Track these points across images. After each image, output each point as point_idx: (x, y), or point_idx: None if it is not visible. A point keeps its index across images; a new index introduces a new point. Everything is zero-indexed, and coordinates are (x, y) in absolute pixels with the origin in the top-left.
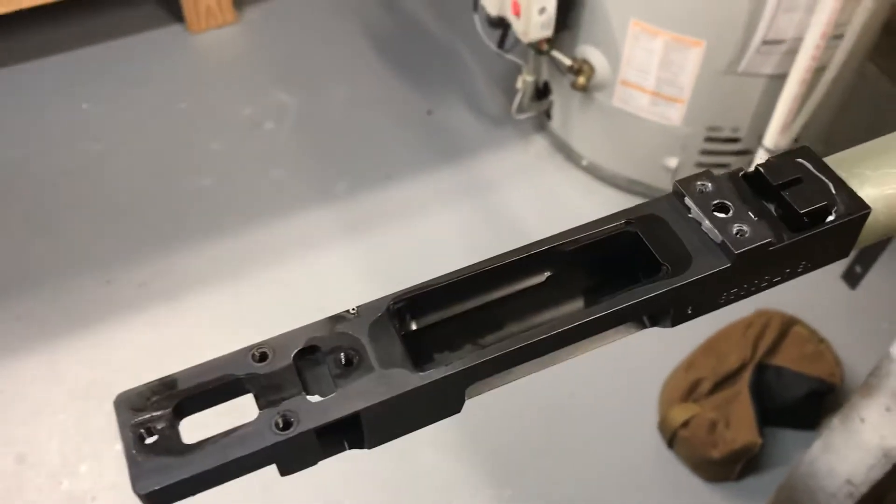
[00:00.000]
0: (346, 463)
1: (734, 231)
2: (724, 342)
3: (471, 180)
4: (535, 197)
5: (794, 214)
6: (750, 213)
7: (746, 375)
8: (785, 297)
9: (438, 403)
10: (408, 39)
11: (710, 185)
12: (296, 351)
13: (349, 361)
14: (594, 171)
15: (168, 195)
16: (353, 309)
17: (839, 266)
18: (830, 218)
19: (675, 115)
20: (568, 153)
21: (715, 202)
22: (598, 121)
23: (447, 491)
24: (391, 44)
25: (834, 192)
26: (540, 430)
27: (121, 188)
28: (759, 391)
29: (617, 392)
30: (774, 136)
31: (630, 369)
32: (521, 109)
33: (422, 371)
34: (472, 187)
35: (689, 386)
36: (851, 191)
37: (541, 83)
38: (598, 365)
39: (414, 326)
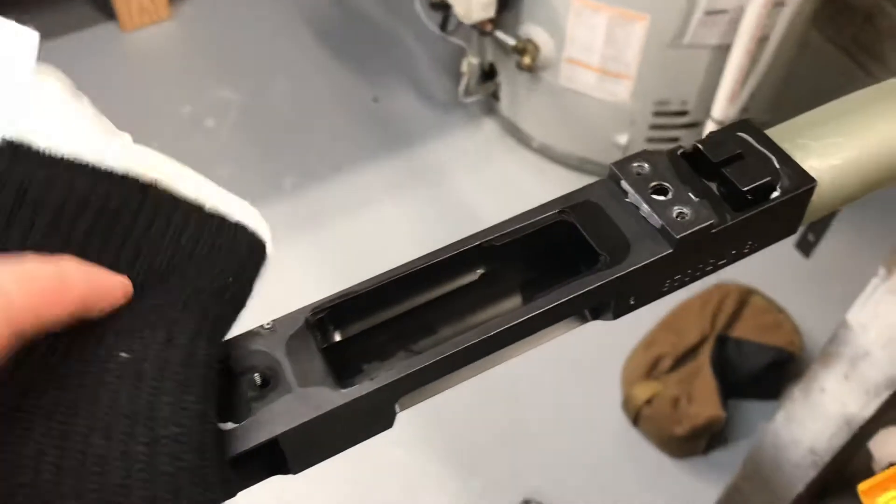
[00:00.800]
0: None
1: (674, 214)
2: (682, 318)
3: (421, 168)
4: (487, 181)
5: (737, 192)
6: (690, 194)
7: (707, 349)
8: (741, 269)
9: (366, 420)
10: (349, 27)
11: (647, 166)
12: None
13: (265, 382)
14: (545, 152)
15: None
16: (268, 324)
17: (793, 235)
18: (775, 194)
19: (622, 91)
20: (518, 135)
21: (653, 184)
22: (546, 101)
23: (414, 486)
24: (332, 32)
25: (777, 166)
26: (504, 418)
27: None
28: (721, 364)
29: (579, 374)
30: (722, 108)
31: (590, 351)
32: (468, 93)
33: (344, 387)
34: (422, 175)
35: (650, 364)
36: (796, 164)
37: (486, 65)
38: (558, 349)
39: (338, 338)
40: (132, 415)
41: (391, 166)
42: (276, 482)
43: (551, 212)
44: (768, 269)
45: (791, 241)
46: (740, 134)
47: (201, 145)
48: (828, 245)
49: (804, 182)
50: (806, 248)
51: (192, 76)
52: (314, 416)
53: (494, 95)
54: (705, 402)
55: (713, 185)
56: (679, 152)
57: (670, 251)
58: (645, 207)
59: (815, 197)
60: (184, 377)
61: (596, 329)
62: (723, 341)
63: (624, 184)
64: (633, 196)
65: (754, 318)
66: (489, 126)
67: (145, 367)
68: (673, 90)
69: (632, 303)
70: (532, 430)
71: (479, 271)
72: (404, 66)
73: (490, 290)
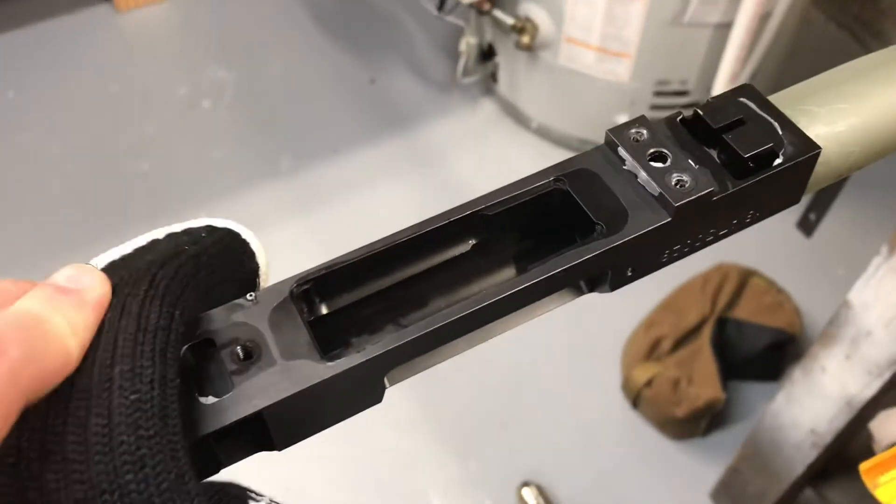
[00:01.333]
0: (306, 447)
1: (673, 182)
2: (682, 299)
3: (419, 149)
4: (485, 164)
5: (738, 159)
6: (690, 161)
7: (707, 331)
8: (741, 250)
9: (354, 395)
10: (346, 7)
11: (645, 132)
12: (185, 347)
13: (247, 355)
14: (544, 134)
15: (105, 183)
16: (251, 296)
17: (794, 215)
18: (778, 161)
19: (622, 70)
20: (517, 116)
21: (651, 151)
22: (545, 81)
23: (411, 467)
24: (329, 12)
25: (780, 132)
26: (502, 399)
27: (53, 179)
28: (721, 346)
29: (578, 356)
30: (723, 87)
31: (590, 332)
32: (466, 73)
33: (330, 361)
34: (420, 156)
35: (650, 345)
36: (799, 130)
37: (485, 45)
38: (559, 329)
39: (324, 310)
40: (87, 389)
41: (388, 147)
42: (271, 463)
43: (546, 180)
44: (769, 250)
45: (792, 221)
46: (742, 99)
47: (197, 126)
48: (830, 226)
49: (808, 149)
50: (807, 227)
51: (187, 57)
52: (299, 389)
53: (493, 76)
54: (705, 384)
55: (713, 153)
56: (679, 118)
57: (668, 220)
58: (643, 175)
59: (819, 165)
60: (136, 344)
61: (596, 310)
62: (723, 322)
63: (621, 150)
64: (630, 163)
65: (755, 299)
66: (487, 107)
67: (101, 341)
68: (673, 69)
69: (629, 274)
70: (531, 411)
71: (472, 242)
72: (401, 46)
73: (482, 262)
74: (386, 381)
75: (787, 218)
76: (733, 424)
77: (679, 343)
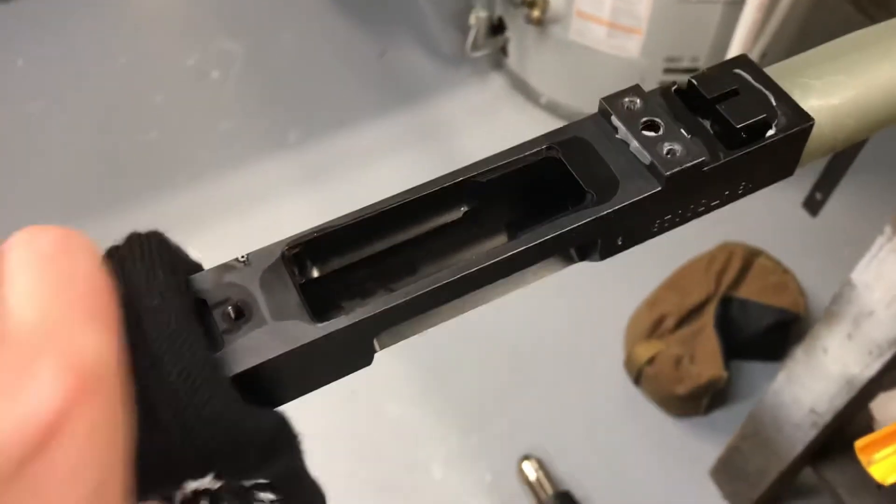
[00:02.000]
0: (308, 417)
1: (665, 151)
2: (687, 277)
3: (427, 123)
4: (494, 137)
5: (731, 130)
6: (682, 131)
7: (711, 309)
8: (747, 229)
9: (343, 356)
10: None
11: (638, 101)
12: None
13: (239, 314)
14: (553, 109)
15: (113, 153)
16: (242, 256)
17: (800, 194)
18: (770, 132)
19: (632, 46)
20: (526, 91)
21: (644, 119)
22: (555, 56)
23: (414, 441)
24: None
25: (774, 104)
26: (505, 374)
27: (62, 148)
28: (725, 324)
29: (582, 332)
30: None
31: (594, 309)
32: (476, 47)
33: (320, 322)
34: (429, 130)
35: (653, 323)
36: (793, 102)
37: (495, 18)
38: (564, 306)
39: (316, 274)
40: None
41: (397, 121)
42: None
43: (538, 147)
44: (775, 229)
45: (798, 200)
46: (737, 70)
47: (206, 97)
48: (836, 206)
49: (801, 121)
50: (813, 207)
51: (196, 27)
52: (288, 349)
53: (503, 50)
54: (707, 362)
55: (707, 123)
56: (673, 89)
57: (659, 189)
58: (634, 143)
59: (813, 137)
60: (151, 257)
61: (601, 288)
62: (727, 301)
63: (614, 119)
64: (622, 132)
65: (759, 278)
66: (497, 81)
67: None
68: (684, 46)
69: (620, 243)
70: (533, 387)
71: (463, 209)
72: (412, 19)
73: (474, 229)
74: (376, 344)
75: (793, 197)
76: (735, 403)
77: (682, 321)
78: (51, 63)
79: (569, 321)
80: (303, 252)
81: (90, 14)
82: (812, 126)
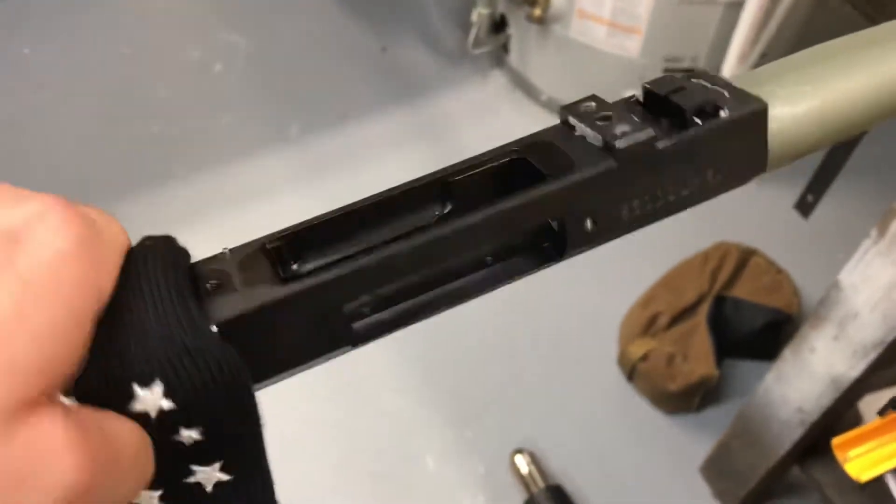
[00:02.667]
0: (303, 408)
1: (617, 132)
2: (682, 276)
3: (428, 119)
4: (494, 134)
5: (683, 115)
6: (634, 117)
7: (704, 308)
8: (741, 229)
9: (318, 327)
10: None
11: (594, 104)
12: None
13: (214, 289)
14: (554, 107)
15: (115, 144)
16: (226, 248)
17: (792, 196)
18: (723, 114)
19: (632, 46)
20: (527, 88)
21: (600, 114)
22: (556, 54)
23: (407, 433)
24: None
25: (727, 95)
26: (500, 369)
27: (65, 138)
28: (718, 323)
29: (576, 329)
30: (732, 67)
31: (589, 305)
32: (477, 44)
33: (285, 284)
34: (430, 126)
35: (647, 321)
36: (746, 92)
37: (497, 16)
38: (558, 302)
39: (295, 268)
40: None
41: (398, 116)
42: (270, 429)
43: (504, 152)
44: (770, 230)
45: (790, 201)
46: (695, 79)
47: (209, 90)
48: (832, 207)
49: (753, 104)
50: (805, 208)
51: (200, 20)
52: (254, 306)
53: (504, 47)
54: (700, 360)
55: (664, 121)
56: (631, 99)
57: (614, 165)
58: (589, 132)
59: (780, 143)
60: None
61: (595, 286)
62: (721, 300)
63: (571, 119)
64: (580, 128)
65: (754, 278)
66: (498, 78)
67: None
68: (684, 46)
69: (589, 228)
70: (527, 382)
71: (437, 213)
72: (414, 15)
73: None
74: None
75: (786, 199)
76: (727, 402)
77: (676, 319)
78: (55, 54)
79: (564, 317)
80: (285, 247)
81: (95, 5)
82: (766, 108)
